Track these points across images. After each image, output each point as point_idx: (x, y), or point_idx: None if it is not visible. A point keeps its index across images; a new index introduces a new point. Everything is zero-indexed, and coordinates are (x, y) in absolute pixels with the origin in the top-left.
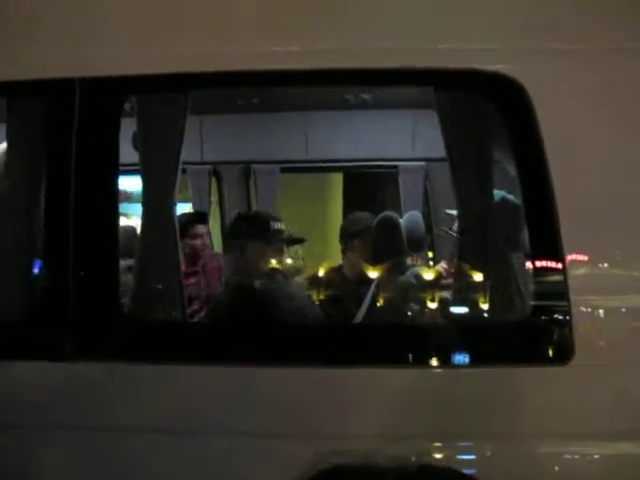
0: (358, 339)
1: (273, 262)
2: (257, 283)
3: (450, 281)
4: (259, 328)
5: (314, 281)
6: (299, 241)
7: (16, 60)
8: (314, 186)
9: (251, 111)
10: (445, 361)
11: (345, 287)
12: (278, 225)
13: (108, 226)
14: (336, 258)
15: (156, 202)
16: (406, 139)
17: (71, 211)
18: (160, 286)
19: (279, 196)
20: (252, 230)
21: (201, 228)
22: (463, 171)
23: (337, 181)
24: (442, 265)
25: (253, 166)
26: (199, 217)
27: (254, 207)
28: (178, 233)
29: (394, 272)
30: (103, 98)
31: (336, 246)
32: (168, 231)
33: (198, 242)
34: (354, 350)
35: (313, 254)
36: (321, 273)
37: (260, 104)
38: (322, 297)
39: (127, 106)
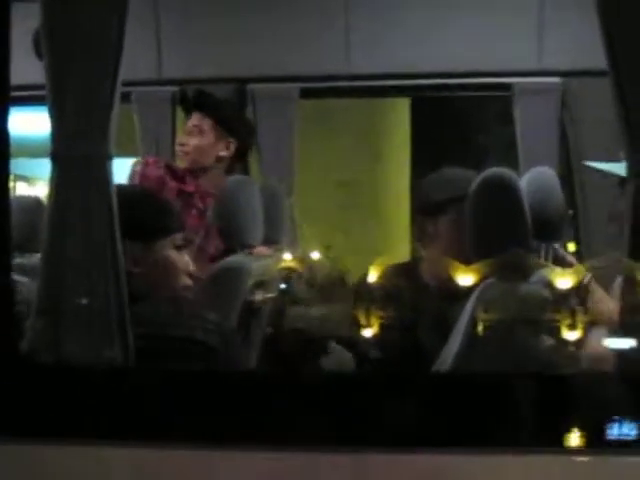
0: (448, 405)
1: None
2: None
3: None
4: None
5: (362, 291)
6: None
7: None
8: (360, 122)
9: None
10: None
11: (422, 301)
12: None
13: None
14: (402, 249)
15: (77, 155)
16: (527, 39)
17: None
18: (86, 303)
19: (295, 141)
20: None
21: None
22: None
23: (401, 113)
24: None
25: (250, 87)
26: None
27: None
28: (115, 209)
29: (511, 275)
30: None
31: (402, 227)
32: (100, 206)
33: None
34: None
35: (356, 240)
36: (374, 276)
37: None
38: (375, 322)
39: None
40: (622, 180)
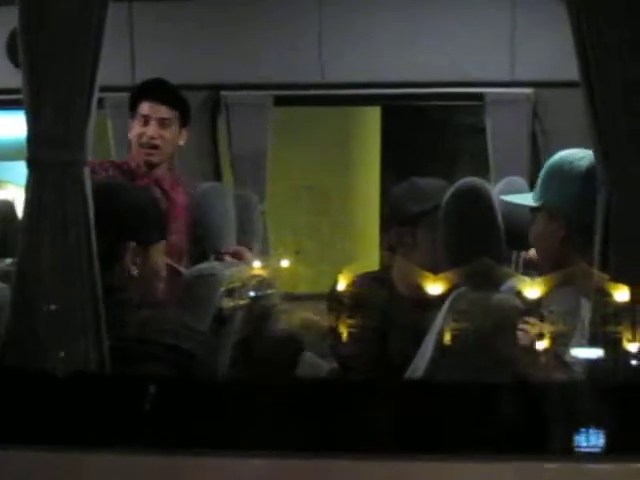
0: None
1: None
2: None
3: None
4: None
5: (332, 300)
6: None
7: None
8: (332, 130)
9: None
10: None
11: (394, 310)
12: None
13: None
14: (370, 256)
15: (54, 160)
16: (500, 48)
17: None
18: (59, 311)
19: (268, 149)
20: None
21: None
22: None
23: (372, 122)
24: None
25: (224, 94)
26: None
27: (226, 161)
28: (92, 217)
29: (482, 284)
30: None
31: (369, 236)
32: (76, 211)
33: None
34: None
35: (328, 247)
36: (344, 284)
37: None
38: (346, 331)
39: None
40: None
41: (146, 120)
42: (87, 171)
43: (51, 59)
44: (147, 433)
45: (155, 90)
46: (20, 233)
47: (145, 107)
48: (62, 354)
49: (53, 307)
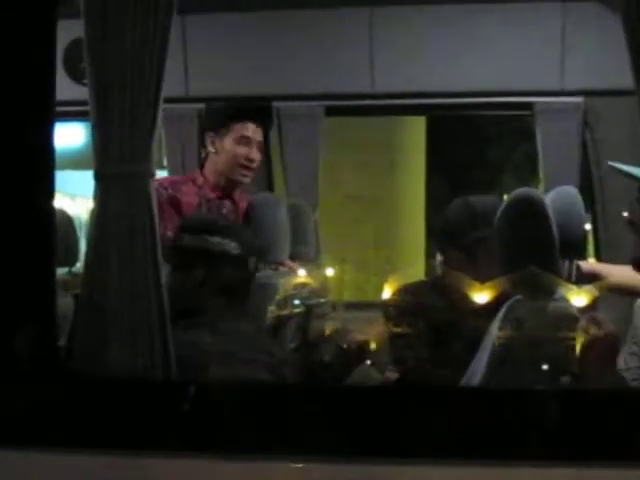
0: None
1: None
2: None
3: None
4: None
5: (391, 307)
6: None
7: None
8: (379, 139)
9: (264, 8)
10: None
11: (447, 319)
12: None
13: (36, 214)
14: (416, 265)
15: (120, 172)
16: (550, 58)
17: None
18: (127, 317)
19: (320, 158)
20: None
21: None
22: None
23: (418, 132)
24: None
25: (276, 105)
26: None
27: (277, 173)
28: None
29: (534, 292)
30: None
31: (414, 244)
32: (142, 222)
33: None
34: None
35: (375, 256)
36: (394, 293)
37: None
38: (398, 339)
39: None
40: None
41: (248, 141)
42: (152, 182)
43: (117, 76)
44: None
45: (261, 113)
46: (87, 244)
47: (250, 129)
48: (128, 361)
49: (120, 317)
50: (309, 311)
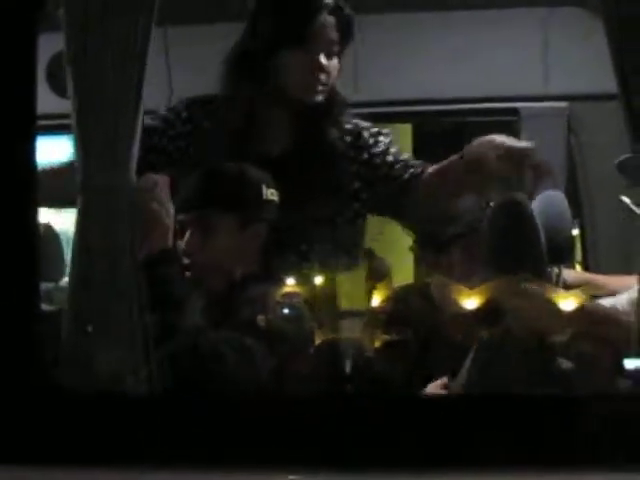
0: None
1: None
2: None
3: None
4: None
5: (372, 315)
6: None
7: None
8: None
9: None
10: None
11: (433, 325)
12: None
13: (19, 228)
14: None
15: (103, 185)
16: (534, 63)
17: None
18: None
19: None
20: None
21: None
22: None
23: (404, 138)
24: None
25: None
26: None
27: None
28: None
29: (522, 295)
30: None
31: (401, 250)
32: (124, 234)
33: None
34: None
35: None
36: (380, 299)
37: None
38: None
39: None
40: None
41: None
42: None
43: (98, 88)
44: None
45: None
46: (72, 257)
47: None
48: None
49: (105, 329)
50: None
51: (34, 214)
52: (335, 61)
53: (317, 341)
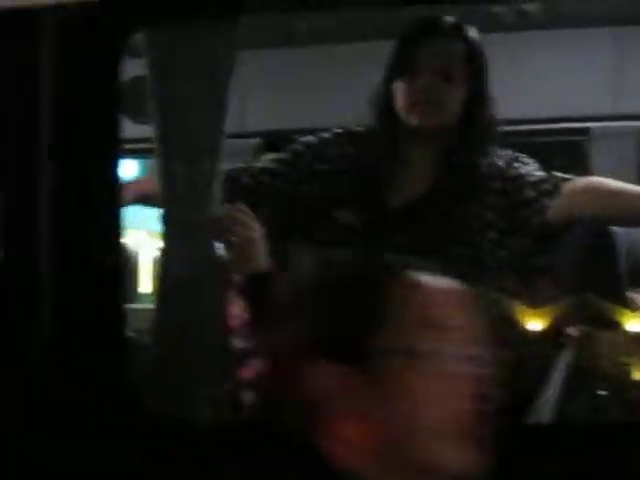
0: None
1: None
2: None
3: None
4: None
5: None
6: None
7: None
8: None
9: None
10: None
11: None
12: None
13: (106, 249)
14: None
15: (185, 217)
16: (604, 81)
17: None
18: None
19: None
20: None
21: None
22: None
23: None
24: None
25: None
26: None
27: None
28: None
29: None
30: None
31: None
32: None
33: None
34: None
35: None
36: None
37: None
38: None
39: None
40: None
41: None
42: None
43: (180, 115)
44: None
45: None
46: (158, 285)
47: None
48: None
49: (192, 354)
50: None
51: (119, 235)
52: (456, 86)
53: None
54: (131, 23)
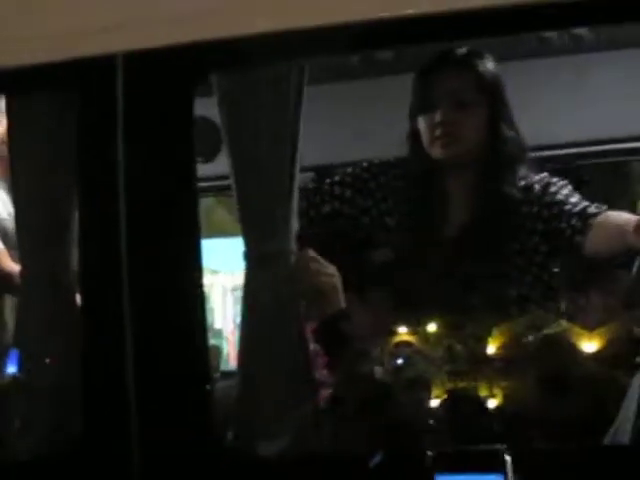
0: None
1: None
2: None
3: None
4: None
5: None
6: None
7: None
8: None
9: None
10: None
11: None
12: None
13: (189, 294)
14: None
15: (264, 252)
16: None
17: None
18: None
19: None
20: None
21: None
22: None
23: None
24: None
25: None
26: None
27: None
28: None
29: None
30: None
31: None
32: (288, 299)
33: None
34: None
35: None
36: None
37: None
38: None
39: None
40: None
41: None
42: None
43: (254, 158)
44: None
45: None
46: (241, 320)
47: None
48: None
49: (273, 392)
50: None
51: (200, 273)
52: (471, 115)
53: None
54: (206, 66)
